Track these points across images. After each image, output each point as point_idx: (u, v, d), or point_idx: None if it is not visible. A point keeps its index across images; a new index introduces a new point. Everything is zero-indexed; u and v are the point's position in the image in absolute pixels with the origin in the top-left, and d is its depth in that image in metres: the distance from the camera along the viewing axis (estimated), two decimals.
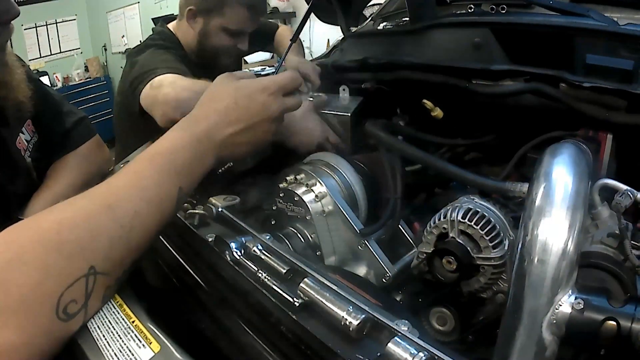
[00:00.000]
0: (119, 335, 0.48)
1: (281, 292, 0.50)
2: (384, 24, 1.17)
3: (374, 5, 1.47)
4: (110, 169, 1.05)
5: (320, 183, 0.79)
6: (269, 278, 0.53)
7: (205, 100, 0.63)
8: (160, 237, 0.67)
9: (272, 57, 5.85)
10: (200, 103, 0.63)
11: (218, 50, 1.25)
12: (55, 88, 4.99)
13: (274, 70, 1.13)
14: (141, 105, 1.04)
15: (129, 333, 0.48)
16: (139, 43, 1.28)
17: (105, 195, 0.52)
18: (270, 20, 1.59)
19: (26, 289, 0.43)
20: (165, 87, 0.97)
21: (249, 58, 5.71)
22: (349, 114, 0.96)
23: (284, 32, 1.54)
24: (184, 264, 0.63)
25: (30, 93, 0.87)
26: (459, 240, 0.66)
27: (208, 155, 0.59)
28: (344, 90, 0.99)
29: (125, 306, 0.52)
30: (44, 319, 0.44)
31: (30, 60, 5.20)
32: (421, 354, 0.40)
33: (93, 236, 0.48)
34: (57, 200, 0.89)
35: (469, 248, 0.65)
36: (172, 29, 1.28)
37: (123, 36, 5.72)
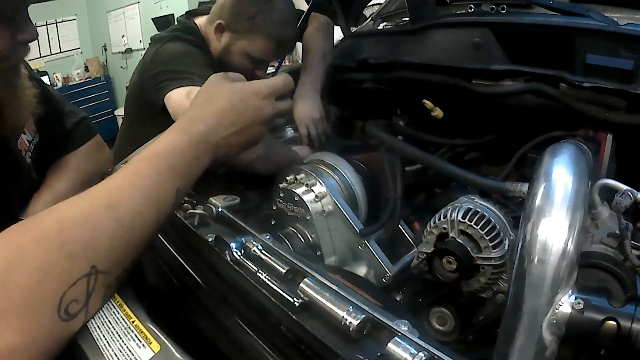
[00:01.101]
0: (119, 335, 0.48)
1: (281, 292, 0.50)
2: (384, 24, 1.17)
3: (374, 5, 1.47)
4: (110, 169, 1.05)
5: (320, 183, 0.79)
6: (269, 278, 0.53)
7: (202, 102, 0.64)
8: (160, 237, 0.67)
9: None
10: (197, 104, 0.64)
11: (235, 70, 1.22)
12: (55, 88, 4.99)
13: (274, 70, 1.13)
14: (166, 103, 1.02)
15: (129, 333, 0.48)
16: (162, 32, 1.23)
17: (105, 195, 0.52)
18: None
19: (28, 290, 0.43)
20: None
21: None
22: None
23: (311, 23, 1.45)
24: (184, 264, 0.63)
25: (36, 113, 0.88)
26: (459, 240, 0.66)
27: (205, 157, 0.60)
28: None
29: (125, 306, 0.52)
30: (46, 320, 0.44)
31: (30, 60, 5.18)
32: (421, 354, 0.40)
33: (94, 235, 0.48)
34: (57, 200, 0.89)
35: (469, 248, 0.65)
36: (199, 26, 1.25)
37: (123, 36, 5.72)
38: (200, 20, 1.25)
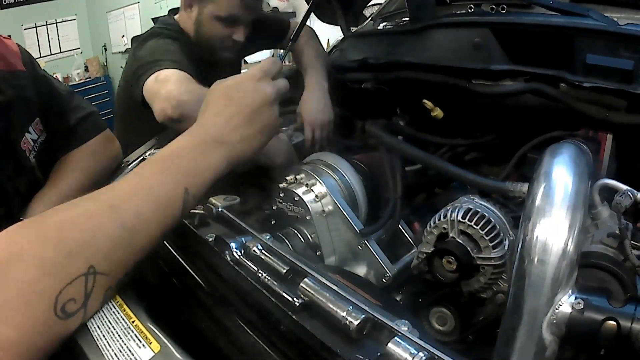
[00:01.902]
0: (119, 335, 0.48)
1: (281, 292, 0.50)
2: (384, 24, 1.17)
3: (374, 5, 1.47)
4: (122, 164, 1.04)
5: (320, 183, 0.79)
6: (269, 278, 0.53)
7: (203, 110, 0.65)
8: None
9: (272, 56, 5.84)
10: (200, 114, 0.65)
11: (213, 41, 1.24)
12: None
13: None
14: (144, 95, 1.04)
15: (129, 333, 0.48)
16: (144, 32, 1.28)
17: (108, 197, 0.52)
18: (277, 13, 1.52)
19: (25, 285, 0.43)
20: (171, 83, 0.97)
21: (249, 58, 5.71)
22: None
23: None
24: (184, 264, 0.63)
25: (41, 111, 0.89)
26: (459, 240, 0.66)
27: (214, 156, 0.59)
28: None
29: (125, 306, 0.52)
30: (42, 316, 0.44)
31: None
32: (421, 354, 0.40)
33: (94, 235, 0.48)
34: (61, 197, 0.89)
35: (469, 248, 0.65)
36: (176, 19, 1.29)
37: (123, 36, 5.72)
38: (178, 14, 1.29)
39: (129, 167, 0.99)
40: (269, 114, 0.64)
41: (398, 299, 0.79)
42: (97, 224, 0.49)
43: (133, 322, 0.50)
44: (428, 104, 0.95)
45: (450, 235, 0.67)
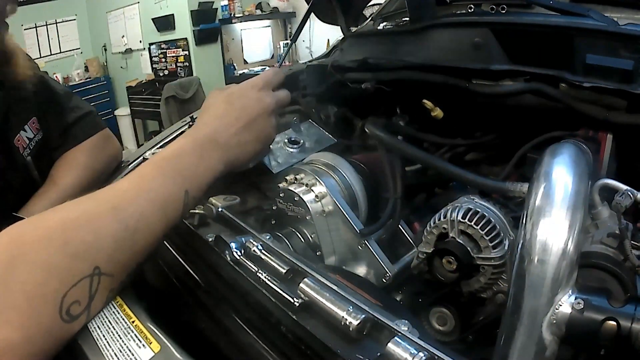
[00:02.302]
0: (119, 335, 0.48)
1: (281, 292, 0.50)
2: (384, 24, 1.17)
3: (374, 5, 1.47)
4: (123, 164, 1.04)
5: (320, 183, 0.79)
6: (269, 278, 0.53)
7: (203, 112, 0.66)
8: None
9: (272, 56, 5.86)
10: (199, 116, 0.67)
11: None
12: None
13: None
14: None
15: (129, 333, 0.48)
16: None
17: (110, 197, 0.52)
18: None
19: (30, 288, 0.43)
20: None
21: (249, 58, 5.73)
22: None
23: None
24: (184, 264, 0.63)
25: (32, 73, 0.89)
26: (459, 240, 0.66)
27: (213, 159, 0.60)
28: None
29: (125, 306, 0.52)
30: (47, 319, 0.44)
31: None
32: (421, 354, 0.40)
33: (97, 237, 0.48)
34: (61, 196, 0.89)
35: (469, 248, 0.65)
36: None
37: (123, 36, 5.72)
38: None
39: (129, 167, 0.99)
40: (267, 123, 0.67)
41: (398, 299, 0.79)
42: (101, 224, 0.49)
43: (133, 322, 0.50)
44: (428, 104, 0.95)
45: (450, 235, 0.67)
